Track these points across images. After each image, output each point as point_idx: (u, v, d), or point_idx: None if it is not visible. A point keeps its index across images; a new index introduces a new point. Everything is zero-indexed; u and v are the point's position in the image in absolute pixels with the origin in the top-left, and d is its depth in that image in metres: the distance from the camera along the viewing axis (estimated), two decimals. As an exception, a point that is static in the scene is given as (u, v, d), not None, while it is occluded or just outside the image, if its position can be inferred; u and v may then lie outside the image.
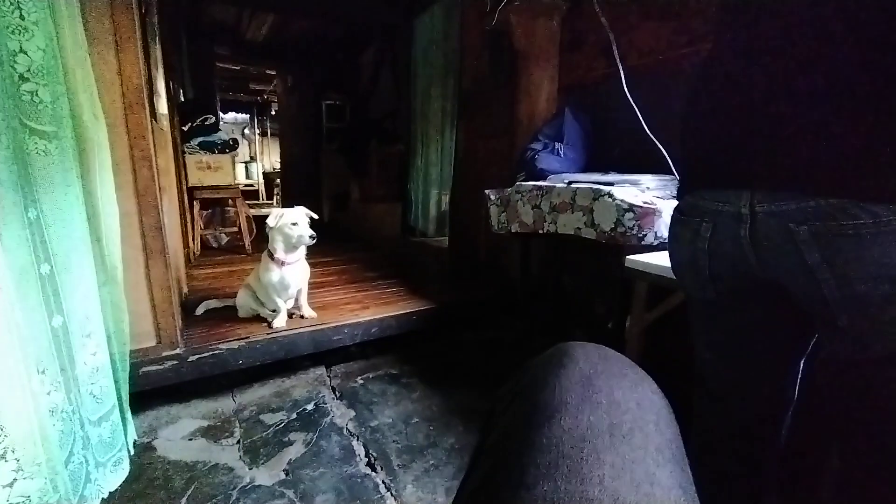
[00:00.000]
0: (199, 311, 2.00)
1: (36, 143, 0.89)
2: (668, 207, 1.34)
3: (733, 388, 0.72)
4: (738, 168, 0.49)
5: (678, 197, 0.67)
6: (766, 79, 0.46)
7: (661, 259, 1.17)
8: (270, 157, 10.65)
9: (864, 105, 0.41)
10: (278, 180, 8.33)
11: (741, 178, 0.49)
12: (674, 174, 1.48)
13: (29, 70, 0.86)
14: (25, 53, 0.84)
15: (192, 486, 1.21)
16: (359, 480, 1.24)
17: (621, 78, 1.68)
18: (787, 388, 0.72)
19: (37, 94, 0.88)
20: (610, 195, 1.40)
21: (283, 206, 1.87)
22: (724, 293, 0.64)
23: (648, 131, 1.56)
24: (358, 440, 1.42)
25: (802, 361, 0.70)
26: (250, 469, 1.28)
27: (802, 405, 0.71)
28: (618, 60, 1.73)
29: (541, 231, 1.72)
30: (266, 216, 1.85)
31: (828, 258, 0.45)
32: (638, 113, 1.60)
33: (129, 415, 1.28)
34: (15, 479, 0.73)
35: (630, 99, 1.64)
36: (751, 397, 0.71)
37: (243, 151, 10.03)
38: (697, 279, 0.66)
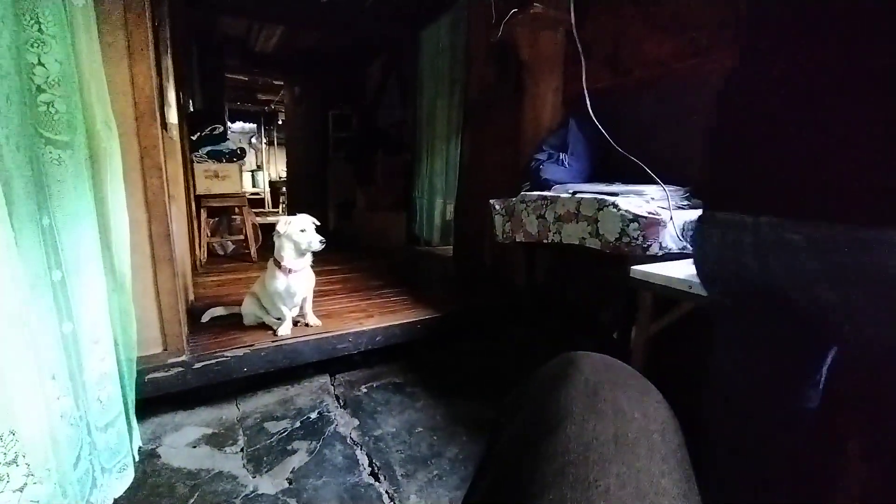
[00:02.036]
0: (205, 318, 2.01)
1: (51, 152, 0.91)
2: (673, 218, 1.34)
3: (751, 395, 0.72)
4: (749, 193, 0.60)
5: (703, 210, 0.74)
6: (764, 120, 0.57)
7: (666, 269, 1.17)
8: (277, 166, 10.75)
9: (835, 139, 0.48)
10: (284, 189, 8.40)
11: (750, 201, 0.60)
12: (661, 185, 1.50)
13: (46, 81, 0.88)
14: (43, 66, 0.87)
15: (196, 494, 1.20)
16: (362, 490, 1.24)
17: (586, 99, 1.74)
18: (806, 396, 0.71)
19: (53, 105, 0.90)
20: (615, 205, 1.40)
21: (288, 215, 1.89)
22: (741, 298, 0.68)
23: (617, 147, 1.61)
24: (361, 449, 1.41)
25: (825, 370, 0.70)
26: (254, 477, 1.28)
27: (818, 412, 0.71)
28: (584, 83, 1.79)
29: (545, 241, 1.73)
30: (272, 224, 1.86)
31: (823, 262, 0.50)
32: (603, 132, 1.66)
33: (134, 421, 1.28)
34: (25, 484, 0.73)
35: (594, 119, 1.69)
36: (769, 405, 0.71)
37: (250, 160, 10.13)
38: (712, 285, 0.73)
